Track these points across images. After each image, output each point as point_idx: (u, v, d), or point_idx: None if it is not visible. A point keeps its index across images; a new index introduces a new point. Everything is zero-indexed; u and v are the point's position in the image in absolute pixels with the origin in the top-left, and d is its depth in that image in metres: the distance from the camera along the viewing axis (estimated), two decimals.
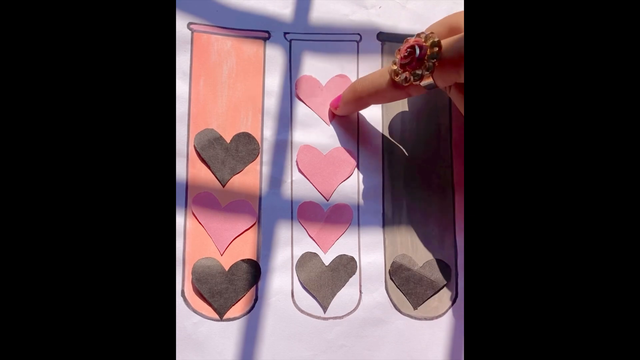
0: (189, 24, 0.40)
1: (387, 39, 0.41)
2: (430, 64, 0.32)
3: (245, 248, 0.38)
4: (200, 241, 0.38)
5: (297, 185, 0.39)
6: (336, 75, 0.41)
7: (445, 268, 0.38)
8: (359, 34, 0.41)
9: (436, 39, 0.32)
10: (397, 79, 0.34)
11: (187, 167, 0.39)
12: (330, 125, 0.40)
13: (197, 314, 0.37)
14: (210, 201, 0.38)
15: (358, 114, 0.40)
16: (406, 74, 0.33)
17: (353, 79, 0.41)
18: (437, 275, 0.38)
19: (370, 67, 0.41)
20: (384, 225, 0.39)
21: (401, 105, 0.41)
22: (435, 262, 0.39)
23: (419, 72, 0.33)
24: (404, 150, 0.40)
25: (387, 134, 0.40)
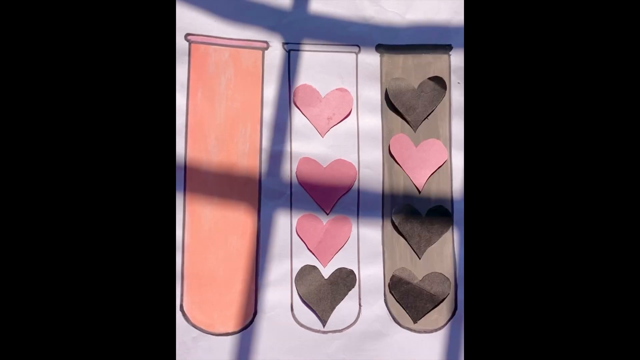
0: (187, 35, 0.40)
1: (386, 51, 0.41)
2: None
3: (243, 260, 0.38)
4: (198, 254, 0.38)
5: (297, 197, 0.39)
6: (336, 89, 0.40)
7: (444, 281, 0.38)
8: (357, 45, 0.41)
9: None
10: None
11: (184, 179, 0.38)
12: (327, 137, 0.40)
13: (196, 328, 0.36)
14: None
15: (358, 125, 0.40)
16: None
17: (352, 90, 0.40)
18: (437, 288, 0.38)
19: (369, 78, 0.41)
20: (383, 238, 0.39)
21: (400, 118, 0.41)
22: (435, 276, 0.38)
23: None
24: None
25: (387, 145, 0.40)
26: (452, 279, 0.38)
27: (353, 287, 0.38)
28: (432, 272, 0.39)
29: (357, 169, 0.40)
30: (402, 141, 0.40)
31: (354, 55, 0.41)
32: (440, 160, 0.40)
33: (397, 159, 0.40)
